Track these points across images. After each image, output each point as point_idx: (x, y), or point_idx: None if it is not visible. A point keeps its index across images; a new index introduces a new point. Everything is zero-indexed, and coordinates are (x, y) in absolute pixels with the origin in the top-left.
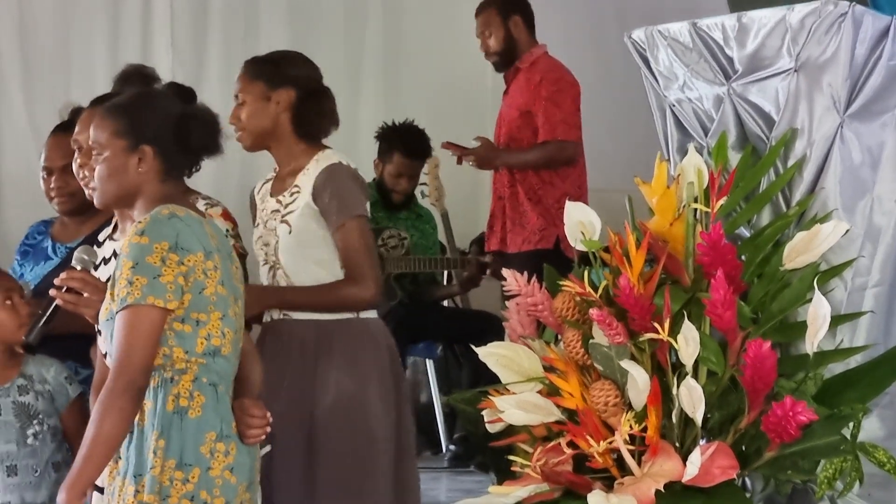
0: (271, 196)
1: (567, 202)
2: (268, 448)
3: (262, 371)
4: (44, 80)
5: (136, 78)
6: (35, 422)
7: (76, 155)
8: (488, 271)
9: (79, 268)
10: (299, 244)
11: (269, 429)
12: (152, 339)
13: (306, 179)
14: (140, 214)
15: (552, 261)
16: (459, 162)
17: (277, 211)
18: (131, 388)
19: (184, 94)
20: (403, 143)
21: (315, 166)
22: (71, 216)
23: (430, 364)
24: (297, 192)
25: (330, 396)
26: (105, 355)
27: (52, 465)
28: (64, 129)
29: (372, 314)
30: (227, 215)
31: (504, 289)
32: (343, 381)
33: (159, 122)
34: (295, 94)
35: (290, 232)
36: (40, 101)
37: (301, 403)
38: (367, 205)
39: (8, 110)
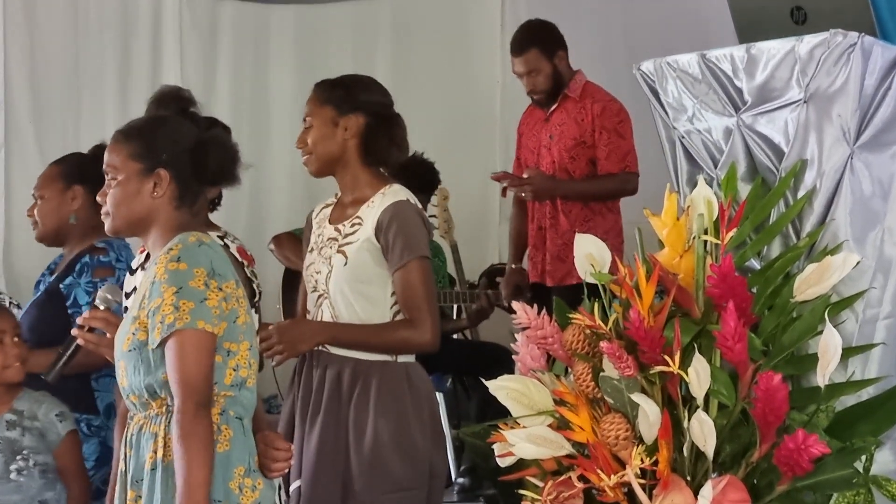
0: (330, 223)
1: (577, 235)
2: (298, 483)
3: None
4: (54, 121)
5: (172, 100)
6: (20, 458)
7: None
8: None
9: (102, 307)
10: (352, 277)
11: (292, 462)
12: (209, 360)
13: (370, 213)
14: (157, 242)
15: (595, 296)
16: (504, 194)
17: (335, 239)
18: (202, 407)
19: (209, 122)
20: (414, 177)
21: (381, 200)
22: (44, 244)
23: (439, 397)
24: (359, 224)
25: (366, 441)
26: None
27: (39, 503)
28: (56, 161)
29: (411, 359)
30: (242, 252)
31: (514, 321)
32: (380, 425)
33: (176, 146)
34: (364, 120)
35: (345, 264)
36: (51, 143)
37: (335, 442)
38: (429, 245)
39: (20, 152)
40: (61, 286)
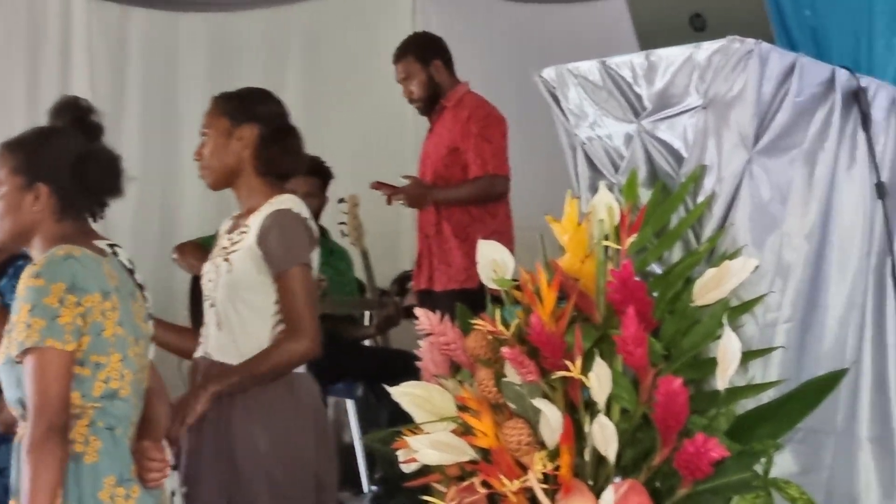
0: (227, 233)
1: (480, 241)
2: (184, 489)
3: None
4: None
5: (67, 110)
6: None
7: None
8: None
9: None
10: (236, 284)
11: (169, 471)
12: (64, 378)
13: (256, 220)
14: (38, 254)
15: (478, 301)
16: (389, 202)
17: (225, 248)
18: (53, 429)
19: (94, 130)
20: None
21: (267, 209)
22: None
23: (350, 404)
24: (245, 231)
25: (248, 451)
26: None
27: None
28: None
29: (300, 369)
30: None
31: (417, 328)
32: (261, 436)
33: (56, 161)
34: (259, 130)
35: (229, 270)
36: None
37: (218, 449)
38: (313, 255)
39: None
40: None
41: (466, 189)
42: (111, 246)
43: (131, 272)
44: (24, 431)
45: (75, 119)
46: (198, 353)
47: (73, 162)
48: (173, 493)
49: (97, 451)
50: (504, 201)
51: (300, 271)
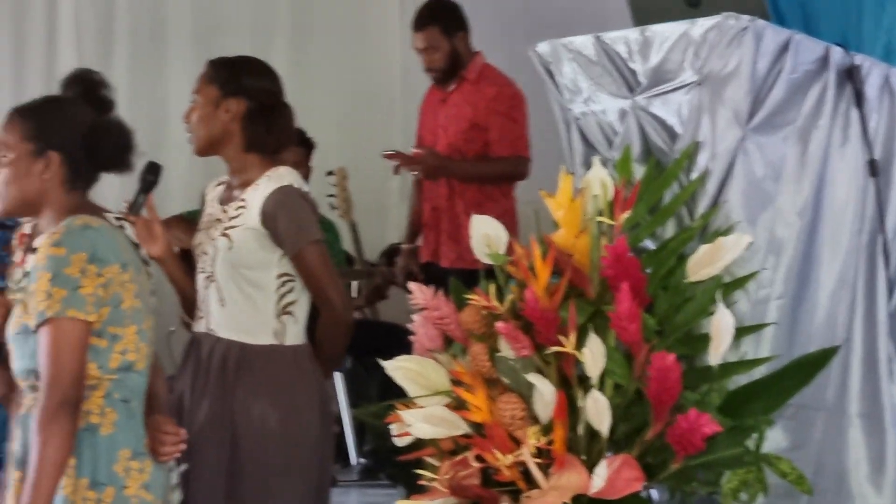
0: (220, 203)
1: (473, 216)
2: (184, 466)
3: (167, 385)
4: None
5: (78, 82)
6: None
7: None
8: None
9: None
10: (237, 262)
11: (183, 446)
12: (79, 351)
13: (255, 196)
14: (49, 225)
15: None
16: (397, 172)
17: (220, 221)
18: (66, 403)
19: (104, 104)
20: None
21: (265, 184)
22: None
23: (338, 376)
24: (244, 207)
25: (252, 426)
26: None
27: None
28: None
29: (300, 340)
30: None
31: (411, 302)
32: (267, 411)
33: (69, 130)
34: (247, 105)
35: (230, 248)
36: None
37: (221, 426)
38: (319, 226)
39: None
40: None
41: (490, 166)
42: (118, 219)
43: (136, 246)
44: (31, 403)
45: (86, 91)
46: (199, 328)
47: (86, 132)
48: (170, 470)
49: (113, 422)
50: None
51: (314, 248)
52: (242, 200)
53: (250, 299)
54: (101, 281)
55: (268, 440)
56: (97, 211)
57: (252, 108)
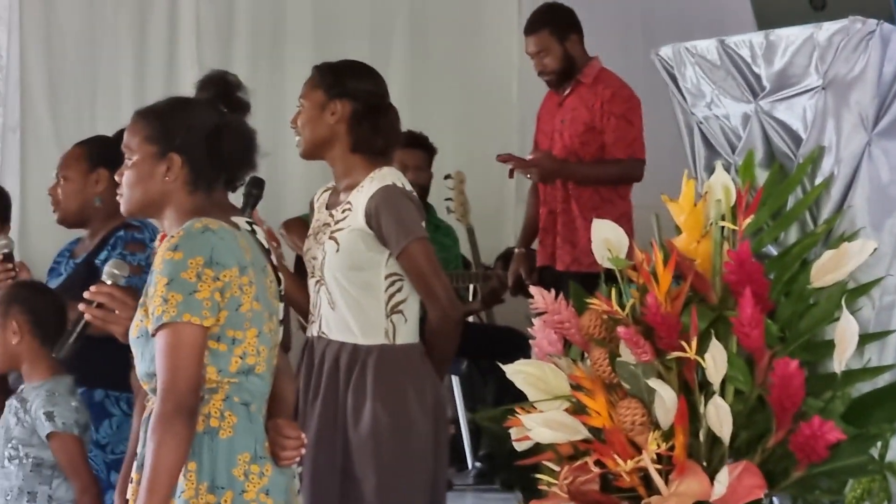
0: (326, 208)
1: (594, 220)
2: (299, 469)
3: (295, 389)
4: (70, 103)
5: (213, 84)
6: (10, 445)
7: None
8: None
9: (109, 282)
10: (345, 264)
11: (303, 451)
12: (196, 357)
13: (360, 198)
14: (171, 227)
15: (608, 282)
16: (511, 175)
17: (328, 225)
18: (182, 409)
19: (239, 106)
20: None
21: (369, 185)
22: (64, 225)
23: (455, 380)
24: (349, 209)
25: (363, 425)
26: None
27: (28, 494)
28: (81, 143)
29: (412, 340)
30: (271, 234)
31: (531, 306)
32: (378, 409)
33: (190, 131)
34: (352, 107)
35: (337, 250)
36: (66, 124)
37: (334, 427)
38: (423, 224)
39: (35, 133)
40: (97, 261)
41: (607, 169)
42: (249, 223)
43: (267, 252)
44: (153, 406)
45: (221, 93)
46: (312, 332)
47: (208, 133)
48: (293, 476)
49: (232, 426)
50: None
51: (419, 245)
52: (348, 203)
53: (360, 300)
54: (218, 285)
55: (379, 440)
56: (225, 212)
57: (357, 110)
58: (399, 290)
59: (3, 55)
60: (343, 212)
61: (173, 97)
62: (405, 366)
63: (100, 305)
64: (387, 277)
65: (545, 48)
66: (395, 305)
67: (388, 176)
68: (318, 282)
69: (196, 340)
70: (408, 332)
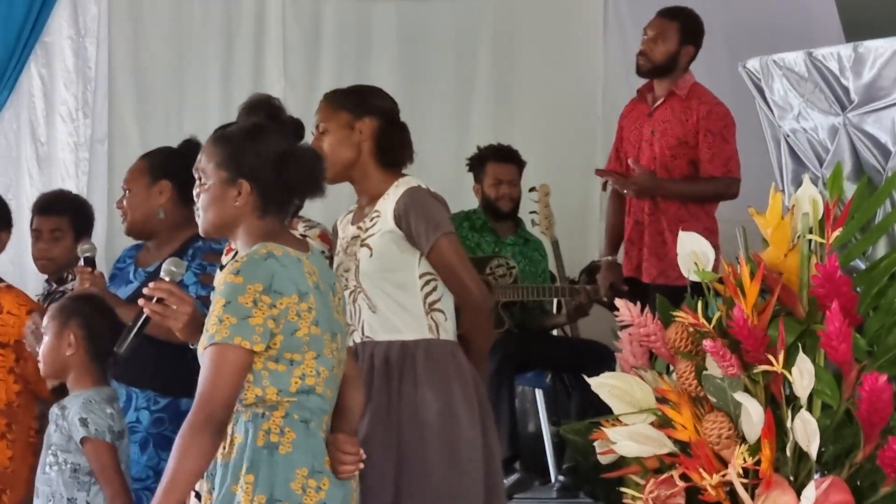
0: (352, 224)
1: (680, 233)
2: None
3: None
4: (157, 115)
5: (262, 108)
6: (50, 451)
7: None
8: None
9: (167, 279)
10: (380, 268)
11: (362, 465)
12: (238, 377)
13: (387, 204)
14: (242, 248)
15: (694, 294)
16: (605, 188)
17: (357, 237)
18: (211, 423)
19: (293, 127)
20: (491, 152)
21: (395, 191)
22: (132, 236)
23: (538, 393)
24: (378, 216)
25: (417, 415)
26: None
27: (68, 501)
28: (145, 155)
29: (452, 336)
30: (324, 237)
31: (617, 319)
32: (428, 398)
33: (259, 159)
34: (377, 123)
35: (371, 255)
36: (154, 135)
37: (387, 424)
38: (450, 221)
39: (123, 144)
40: None
41: (703, 187)
42: (303, 236)
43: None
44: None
45: (269, 117)
46: (355, 340)
47: (275, 161)
48: (353, 490)
49: (291, 442)
50: None
51: (447, 240)
52: (376, 212)
53: (399, 301)
54: (274, 312)
55: (428, 432)
56: (290, 236)
57: (383, 125)
58: (434, 289)
59: (91, 68)
60: (372, 220)
61: (246, 123)
62: (452, 360)
63: (159, 301)
64: (421, 276)
65: (664, 37)
66: (433, 304)
67: (412, 180)
68: (352, 292)
69: (241, 362)
70: (448, 329)
